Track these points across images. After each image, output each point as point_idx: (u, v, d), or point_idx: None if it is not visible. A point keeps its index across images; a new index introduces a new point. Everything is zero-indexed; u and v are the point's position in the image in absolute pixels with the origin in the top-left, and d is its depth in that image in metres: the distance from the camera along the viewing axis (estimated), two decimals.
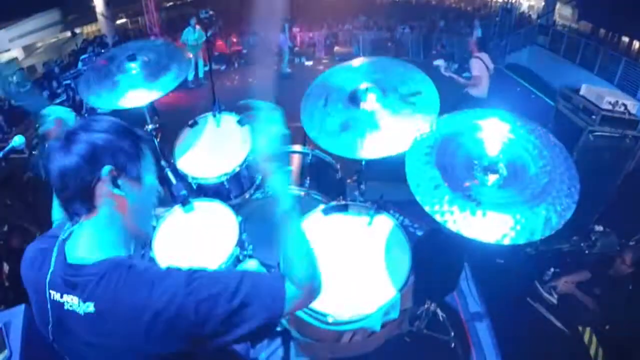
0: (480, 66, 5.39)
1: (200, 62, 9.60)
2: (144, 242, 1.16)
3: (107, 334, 0.98)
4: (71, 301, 0.99)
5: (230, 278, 1.02)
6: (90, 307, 0.97)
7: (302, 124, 2.36)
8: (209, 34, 5.91)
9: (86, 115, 5.79)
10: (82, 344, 1.02)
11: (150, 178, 1.09)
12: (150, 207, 1.14)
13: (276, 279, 1.09)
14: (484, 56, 5.48)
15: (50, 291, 1.01)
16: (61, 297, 1.00)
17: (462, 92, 5.61)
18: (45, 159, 1.00)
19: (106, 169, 0.98)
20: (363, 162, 2.54)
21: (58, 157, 0.98)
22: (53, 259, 1.03)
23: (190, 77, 9.48)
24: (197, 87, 9.24)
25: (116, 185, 1.00)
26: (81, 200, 1.00)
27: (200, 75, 9.73)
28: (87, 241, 1.03)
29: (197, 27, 9.26)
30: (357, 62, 2.57)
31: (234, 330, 0.99)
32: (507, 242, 1.55)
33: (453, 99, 5.34)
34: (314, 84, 2.55)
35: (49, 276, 1.02)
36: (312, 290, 1.15)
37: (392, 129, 2.20)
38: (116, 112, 2.65)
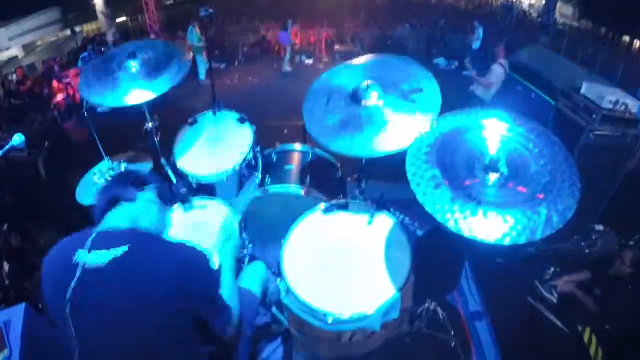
0: (500, 74, 5.42)
1: (200, 62, 9.50)
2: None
3: (133, 278, 1.20)
4: (95, 257, 1.20)
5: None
6: (122, 250, 1.21)
7: (304, 120, 2.35)
8: (208, 33, 5.92)
9: (86, 113, 5.78)
10: (101, 298, 1.19)
11: (169, 214, 1.54)
12: (164, 225, 1.49)
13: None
14: (506, 63, 5.51)
15: (79, 252, 1.22)
16: (89, 252, 1.21)
17: (467, 90, 5.62)
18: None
19: (152, 186, 1.45)
20: (363, 161, 2.53)
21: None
22: (84, 234, 1.28)
23: (202, 75, 9.47)
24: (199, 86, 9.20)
25: (156, 197, 1.44)
26: (133, 188, 1.39)
27: (201, 77, 9.59)
28: (122, 215, 1.34)
29: (196, 29, 9.25)
30: (359, 60, 2.56)
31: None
32: (507, 241, 1.55)
33: (455, 97, 5.34)
34: (315, 85, 2.53)
35: (79, 243, 1.24)
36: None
37: (394, 126, 2.19)
38: (116, 111, 2.65)
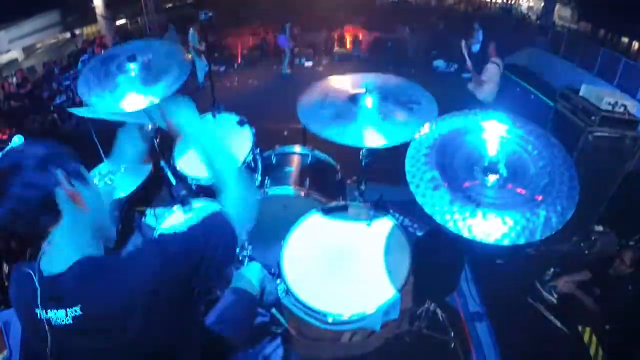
0: (493, 72, 5.41)
1: (198, 64, 9.51)
2: (109, 242, 1.25)
3: (101, 331, 1.05)
4: (57, 315, 1.03)
5: (193, 233, 1.20)
6: (77, 310, 1.02)
7: (298, 114, 2.36)
8: (208, 36, 5.92)
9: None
10: (82, 353, 1.08)
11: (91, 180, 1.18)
12: (104, 205, 1.27)
13: (218, 215, 1.30)
14: (500, 62, 5.51)
15: (42, 310, 1.04)
16: (47, 313, 1.04)
17: (468, 93, 5.63)
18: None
19: (59, 172, 1.04)
20: (363, 163, 2.53)
21: (15, 183, 0.99)
22: (36, 280, 1.06)
23: (201, 78, 9.45)
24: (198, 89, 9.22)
25: (71, 184, 1.06)
26: (48, 209, 1.03)
27: (200, 80, 9.62)
28: (57, 251, 1.07)
29: (196, 32, 9.27)
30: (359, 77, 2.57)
31: (215, 264, 1.19)
32: (506, 242, 1.55)
33: (454, 99, 5.35)
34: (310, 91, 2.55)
35: (38, 296, 1.04)
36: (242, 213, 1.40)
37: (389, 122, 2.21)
38: (116, 113, 2.64)
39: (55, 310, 1.03)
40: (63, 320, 1.03)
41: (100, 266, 1.08)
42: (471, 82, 5.69)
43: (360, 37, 13.43)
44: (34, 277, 1.05)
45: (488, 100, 5.52)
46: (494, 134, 1.95)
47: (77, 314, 1.02)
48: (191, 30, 9.33)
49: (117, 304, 1.03)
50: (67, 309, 1.02)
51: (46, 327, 1.04)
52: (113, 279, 1.05)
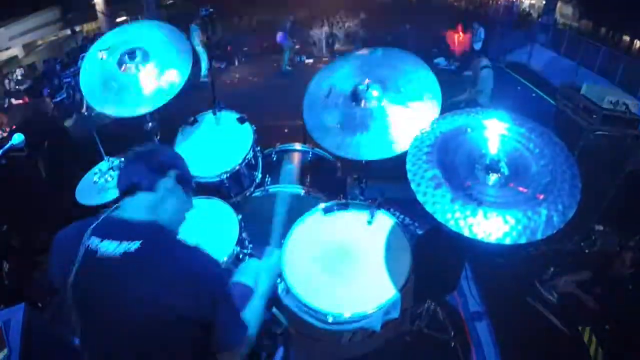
0: (489, 77, 5.40)
1: (204, 57, 9.56)
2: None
3: (140, 276, 1.14)
4: (108, 247, 1.15)
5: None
6: (135, 245, 1.14)
7: (304, 121, 2.36)
8: (208, 33, 5.89)
9: (86, 113, 5.78)
10: (103, 292, 1.16)
11: (191, 197, 1.44)
12: (184, 213, 1.42)
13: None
14: (489, 63, 5.50)
15: (89, 240, 1.16)
16: (100, 242, 1.16)
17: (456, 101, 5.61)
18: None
19: (174, 172, 1.34)
20: (363, 161, 2.53)
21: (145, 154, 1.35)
22: (99, 219, 1.22)
23: (205, 70, 9.49)
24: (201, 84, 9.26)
25: (177, 185, 1.34)
26: (154, 174, 1.29)
27: (204, 72, 9.69)
28: (141, 205, 1.26)
29: (193, 25, 9.35)
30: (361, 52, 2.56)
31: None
32: (508, 241, 1.55)
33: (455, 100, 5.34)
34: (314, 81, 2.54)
35: (92, 227, 1.19)
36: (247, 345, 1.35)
37: (394, 127, 2.20)
38: None
39: (108, 241, 1.16)
40: (111, 251, 1.14)
41: (172, 236, 1.29)
42: (467, 93, 5.65)
43: (361, 34, 13.39)
44: (102, 215, 1.24)
45: (486, 102, 5.50)
46: (496, 132, 1.94)
47: (131, 249, 1.14)
48: (193, 25, 9.37)
49: (165, 263, 1.16)
50: (124, 242, 1.15)
51: (84, 256, 1.15)
52: (170, 247, 1.23)
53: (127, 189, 1.28)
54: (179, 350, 1.20)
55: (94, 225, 1.20)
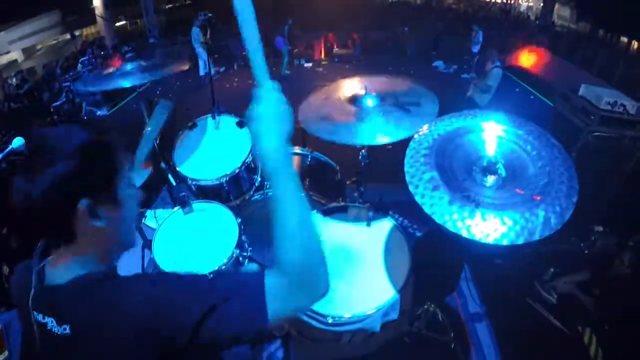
0: (498, 75, 5.43)
1: (205, 57, 9.76)
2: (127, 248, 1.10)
3: (88, 354, 0.94)
4: (52, 324, 0.95)
5: (201, 279, 0.97)
6: (66, 329, 0.93)
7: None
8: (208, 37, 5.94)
9: (85, 118, 5.80)
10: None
11: (128, 191, 1.02)
12: (133, 219, 1.07)
13: (253, 272, 0.99)
14: (501, 64, 5.54)
15: (34, 312, 0.97)
16: (43, 317, 0.96)
17: (466, 93, 5.65)
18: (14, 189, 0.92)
19: (83, 203, 0.91)
20: (362, 164, 2.54)
21: (23, 190, 0.90)
22: (33, 281, 0.98)
23: (202, 71, 9.72)
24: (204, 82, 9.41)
25: (96, 217, 0.94)
26: (58, 233, 0.96)
27: (201, 73, 9.89)
28: (63, 262, 0.98)
29: (194, 28, 9.51)
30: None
31: (214, 329, 0.92)
32: (505, 242, 1.56)
33: (454, 100, 5.36)
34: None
35: (31, 297, 0.97)
36: (303, 283, 0.98)
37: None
38: (117, 114, 2.65)
39: (51, 318, 0.95)
40: (56, 330, 0.94)
41: (98, 288, 0.95)
42: (472, 88, 5.69)
43: (360, 37, 13.42)
44: (33, 281, 0.99)
45: (484, 102, 5.54)
46: (493, 134, 1.95)
47: (65, 332, 0.93)
48: (194, 28, 9.49)
49: (107, 331, 0.92)
50: (59, 325, 0.94)
51: (37, 329, 0.96)
52: (105, 304, 0.93)
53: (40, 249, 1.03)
54: None
55: (31, 298, 0.97)
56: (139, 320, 0.90)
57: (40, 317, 0.96)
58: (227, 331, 0.94)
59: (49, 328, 0.95)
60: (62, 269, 0.98)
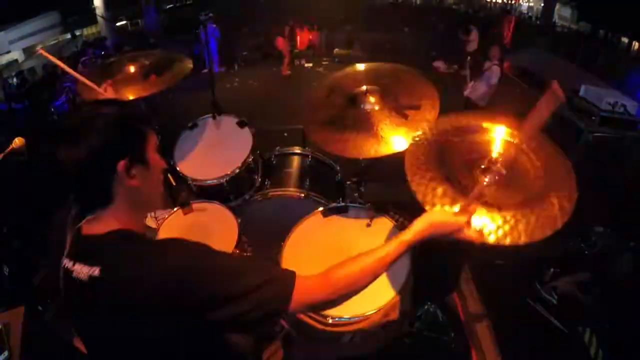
0: (498, 74, 5.41)
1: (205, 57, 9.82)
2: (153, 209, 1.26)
3: (109, 299, 1.01)
4: (79, 270, 1.03)
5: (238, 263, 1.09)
6: (96, 270, 1.01)
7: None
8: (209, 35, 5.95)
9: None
10: (85, 313, 1.09)
11: (155, 157, 1.16)
12: (160, 183, 1.22)
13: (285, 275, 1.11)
14: (500, 64, 5.52)
15: (65, 260, 1.07)
16: (73, 265, 1.05)
17: (463, 96, 5.63)
18: (51, 155, 1.03)
19: (120, 165, 1.04)
20: (362, 164, 2.54)
21: (70, 155, 1.01)
22: (70, 235, 1.09)
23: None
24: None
25: (131, 176, 1.07)
26: (100, 195, 1.07)
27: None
28: (98, 222, 1.08)
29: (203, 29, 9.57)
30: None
31: (231, 307, 1.01)
32: (507, 242, 1.55)
33: (455, 99, 5.35)
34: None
35: (67, 249, 1.08)
36: (328, 285, 1.15)
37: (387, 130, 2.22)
38: None
39: (80, 265, 1.04)
40: (82, 276, 1.03)
41: (134, 243, 1.08)
42: (469, 87, 5.66)
43: (361, 37, 13.42)
44: (69, 236, 1.09)
45: (482, 104, 5.51)
46: (494, 134, 1.95)
47: (95, 275, 1.01)
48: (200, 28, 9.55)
49: (130, 282, 1.00)
50: (90, 267, 1.02)
51: (63, 276, 1.06)
52: (137, 258, 1.03)
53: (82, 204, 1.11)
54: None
55: (68, 243, 1.09)
56: (168, 284, 0.98)
57: (70, 263, 1.06)
58: (247, 315, 1.02)
59: (75, 275, 1.04)
60: (97, 223, 1.08)
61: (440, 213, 1.23)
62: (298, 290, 1.07)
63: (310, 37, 12.89)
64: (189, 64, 2.92)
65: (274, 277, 1.08)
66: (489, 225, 1.58)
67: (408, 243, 1.21)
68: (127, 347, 1.07)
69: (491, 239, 1.54)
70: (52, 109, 8.03)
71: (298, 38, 12.40)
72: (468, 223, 1.24)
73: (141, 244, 1.09)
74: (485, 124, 1.97)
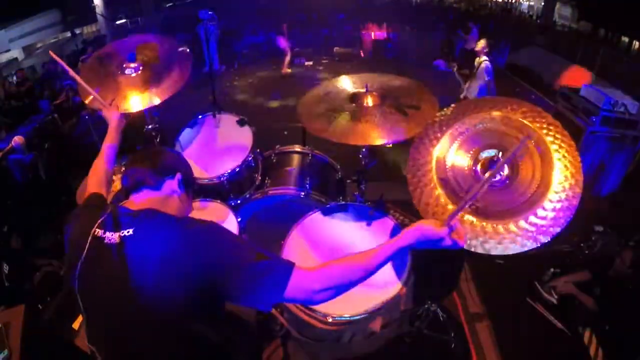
0: (490, 69, 5.32)
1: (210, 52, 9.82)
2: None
3: (135, 261, 1.15)
4: (111, 237, 1.20)
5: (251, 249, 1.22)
6: (129, 231, 1.19)
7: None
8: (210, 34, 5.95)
9: (87, 117, 5.81)
10: (106, 277, 1.19)
11: (191, 200, 1.47)
12: (184, 214, 1.42)
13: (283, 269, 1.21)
14: (490, 59, 5.43)
15: (96, 229, 1.23)
16: (104, 233, 1.22)
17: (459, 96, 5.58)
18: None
19: (179, 174, 1.38)
20: (363, 162, 2.54)
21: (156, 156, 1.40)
22: (108, 211, 1.27)
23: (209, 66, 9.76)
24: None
25: (180, 186, 1.37)
26: (160, 174, 1.34)
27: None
28: (144, 199, 1.32)
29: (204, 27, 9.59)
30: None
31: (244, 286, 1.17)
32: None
33: (455, 98, 5.33)
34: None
35: (100, 219, 1.25)
36: (323, 276, 1.23)
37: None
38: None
39: (111, 232, 1.21)
40: (114, 240, 1.19)
41: (166, 217, 1.26)
42: (465, 89, 5.59)
43: (361, 36, 13.40)
44: (108, 210, 1.28)
45: (475, 89, 5.40)
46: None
47: (127, 234, 1.19)
48: (198, 26, 9.54)
49: (159, 247, 1.17)
50: (122, 232, 1.20)
51: (92, 241, 1.21)
52: (170, 227, 1.22)
53: (133, 186, 1.33)
54: (186, 341, 1.21)
55: (102, 217, 1.25)
56: (188, 247, 1.17)
57: (102, 231, 1.23)
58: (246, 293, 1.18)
59: (105, 239, 1.20)
60: (136, 203, 1.32)
61: (429, 221, 1.28)
62: (295, 277, 1.18)
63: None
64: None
65: (276, 261, 1.22)
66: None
67: (398, 246, 1.27)
68: (142, 311, 1.15)
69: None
70: (52, 107, 8.01)
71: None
72: (455, 232, 1.28)
73: (172, 219, 1.26)
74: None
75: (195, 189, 1.50)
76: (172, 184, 1.35)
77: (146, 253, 1.16)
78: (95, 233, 1.22)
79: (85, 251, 1.20)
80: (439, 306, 2.80)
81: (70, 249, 1.30)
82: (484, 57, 5.31)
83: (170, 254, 1.16)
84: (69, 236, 1.33)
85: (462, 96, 5.62)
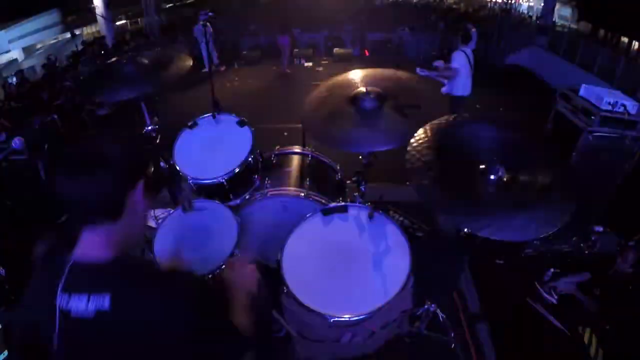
0: (461, 60, 5.22)
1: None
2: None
3: (117, 329, 1.01)
4: (79, 303, 1.00)
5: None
6: (105, 299, 0.99)
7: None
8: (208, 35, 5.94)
9: (86, 118, 5.81)
10: (88, 349, 1.05)
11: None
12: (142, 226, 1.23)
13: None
14: (468, 51, 5.35)
15: (64, 296, 1.02)
16: (69, 296, 1.01)
17: (441, 93, 5.46)
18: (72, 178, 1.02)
19: (141, 180, 1.08)
20: (363, 162, 2.54)
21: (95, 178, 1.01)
22: (65, 264, 1.04)
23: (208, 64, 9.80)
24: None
25: (145, 194, 1.10)
26: (113, 208, 1.05)
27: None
28: (101, 243, 1.05)
29: (198, 26, 9.67)
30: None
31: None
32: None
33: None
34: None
35: (63, 279, 1.02)
36: None
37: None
38: (119, 113, 2.65)
39: (76, 296, 1.00)
40: (83, 311, 0.99)
41: (143, 272, 1.11)
42: (446, 85, 5.47)
43: (360, 37, 13.40)
44: (65, 263, 1.04)
45: (465, 93, 5.31)
46: (494, 135, 1.95)
47: (103, 308, 0.99)
48: (197, 26, 9.59)
49: (140, 312, 1.01)
50: (94, 295, 1.00)
51: (58, 317, 1.01)
52: (149, 288, 1.05)
53: (85, 221, 1.07)
54: None
55: (62, 278, 1.03)
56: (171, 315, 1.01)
57: (65, 299, 1.01)
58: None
59: (75, 312, 1.00)
60: (97, 249, 1.05)
61: None
62: None
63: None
64: (189, 62, 2.92)
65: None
66: None
67: None
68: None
69: None
70: (52, 108, 8.01)
71: None
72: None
73: (150, 274, 1.12)
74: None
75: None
76: (132, 197, 1.08)
77: (126, 332, 1.03)
78: (59, 305, 1.02)
79: (57, 330, 1.02)
80: (439, 306, 2.80)
81: (33, 323, 1.12)
82: (461, 47, 5.25)
83: (153, 329, 1.02)
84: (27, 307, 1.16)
85: (443, 93, 5.43)
